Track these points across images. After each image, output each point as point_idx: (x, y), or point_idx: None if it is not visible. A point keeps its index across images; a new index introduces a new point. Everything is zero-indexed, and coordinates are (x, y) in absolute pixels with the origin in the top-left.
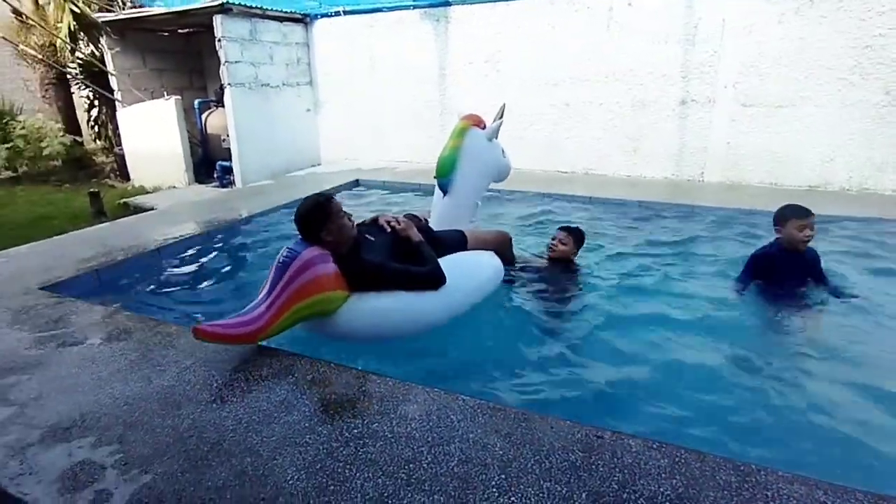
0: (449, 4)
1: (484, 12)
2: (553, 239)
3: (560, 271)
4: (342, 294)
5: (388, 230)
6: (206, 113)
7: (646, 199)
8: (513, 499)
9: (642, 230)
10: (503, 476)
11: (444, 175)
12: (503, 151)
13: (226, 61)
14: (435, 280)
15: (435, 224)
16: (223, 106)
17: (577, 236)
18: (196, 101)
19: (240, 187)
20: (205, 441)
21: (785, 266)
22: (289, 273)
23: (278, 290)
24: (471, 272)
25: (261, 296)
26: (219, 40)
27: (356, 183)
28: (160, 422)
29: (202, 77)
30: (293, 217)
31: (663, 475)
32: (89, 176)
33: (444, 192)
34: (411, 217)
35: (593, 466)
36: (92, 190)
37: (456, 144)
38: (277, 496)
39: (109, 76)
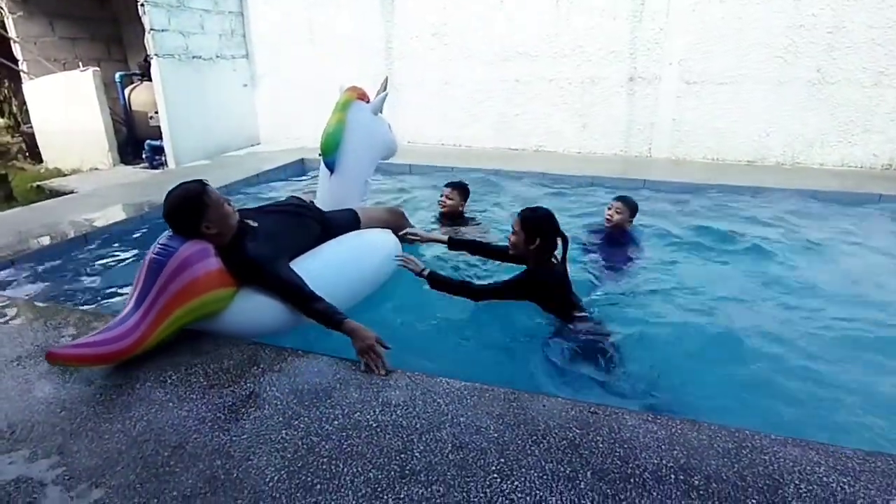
0: None
1: None
2: (441, 196)
3: (452, 225)
4: (230, 291)
5: None
6: (130, 87)
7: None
8: (516, 483)
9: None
10: (502, 460)
11: (330, 152)
12: (389, 127)
13: (151, 29)
14: (324, 319)
15: (323, 205)
16: (149, 79)
17: (461, 190)
18: (117, 75)
19: (173, 168)
20: (164, 445)
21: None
22: (165, 274)
23: (154, 295)
24: (369, 254)
25: (131, 303)
26: (141, 5)
27: (301, 163)
28: (108, 427)
29: (121, 47)
30: (163, 210)
31: (663, 447)
32: None
33: (331, 170)
34: (295, 199)
35: (593, 443)
36: None
37: (340, 119)
38: (257, 501)
39: (12, 44)
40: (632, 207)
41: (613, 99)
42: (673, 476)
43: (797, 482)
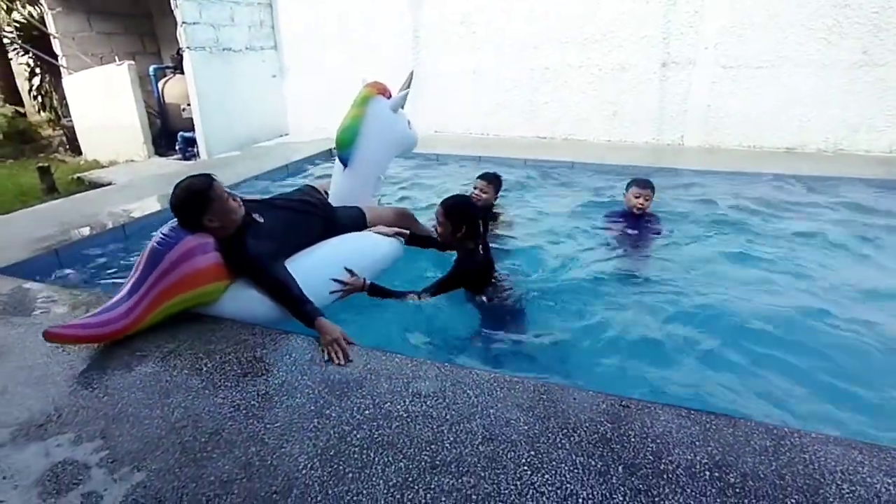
0: None
1: None
2: (475, 189)
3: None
4: (224, 284)
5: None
6: (164, 80)
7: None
8: (546, 476)
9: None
10: (533, 453)
11: (345, 147)
12: (409, 123)
13: (183, 22)
14: (303, 318)
15: (334, 199)
16: (181, 73)
17: (496, 183)
18: (151, 68)
19: (205, 159)
20: (201, 431)
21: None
22: (164, 263)
23: (151, 283)
24: (357, 256)
25: (127, 287)
26: None
27: (330, 153)
28: (147, 412)
29: (155, 41)
30: (170, 201)
31: (697, 443)
32: (35, 150)
33: (345, 164)
34: (309, 188)
35: (624, 437)
36: (41, 164)
37: (358, 114)
38: (291, 488)
39: (52, 40)
40: (653, 189)
41: (644, 86)
42: (707, 473)
43: (839, 482)
